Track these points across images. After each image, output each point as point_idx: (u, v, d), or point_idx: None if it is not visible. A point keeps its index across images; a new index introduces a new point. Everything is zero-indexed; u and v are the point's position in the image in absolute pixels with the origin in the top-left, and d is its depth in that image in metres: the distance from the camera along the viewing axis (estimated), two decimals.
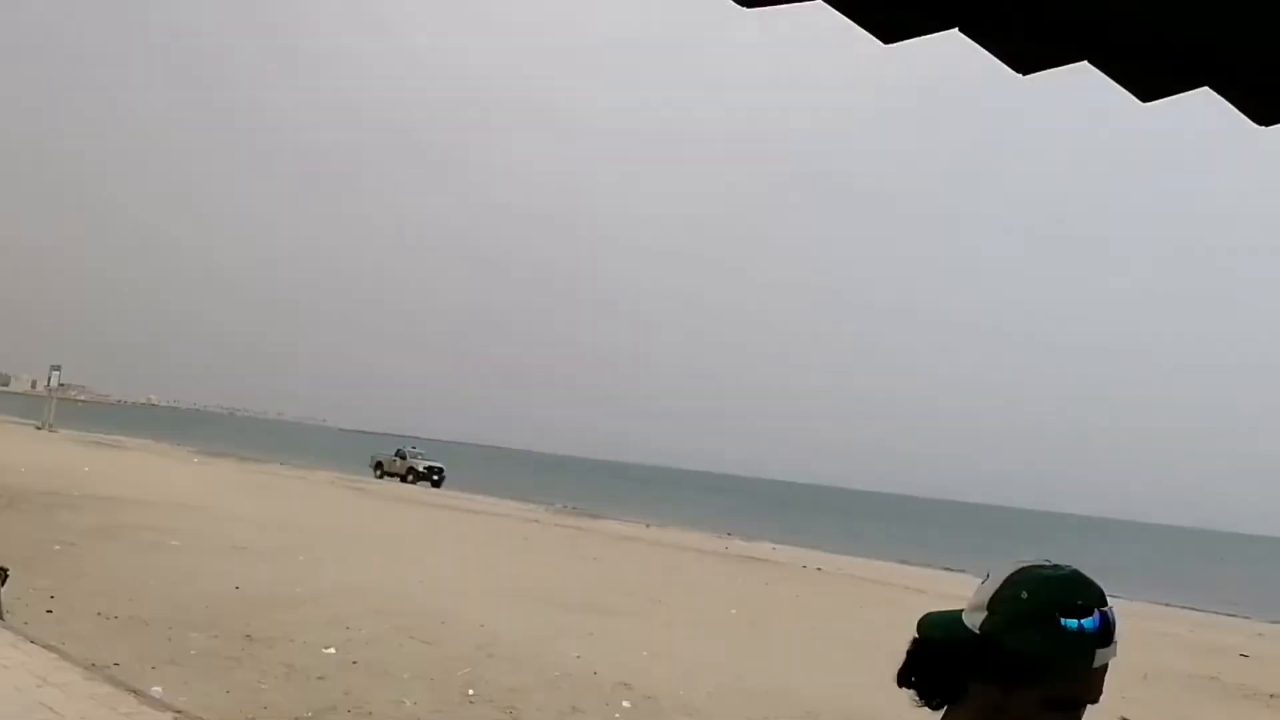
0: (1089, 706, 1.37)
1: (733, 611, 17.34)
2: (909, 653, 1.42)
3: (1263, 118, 2.57)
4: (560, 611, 14.79)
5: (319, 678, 9.34)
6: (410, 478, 57.84)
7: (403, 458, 60.57)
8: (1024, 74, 2.37)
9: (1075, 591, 1.34)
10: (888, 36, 2.31)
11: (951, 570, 39.12)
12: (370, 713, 8.43)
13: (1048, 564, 1.40)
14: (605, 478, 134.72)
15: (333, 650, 10.45)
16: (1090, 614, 1.33)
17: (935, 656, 1.39)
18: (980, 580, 1.43)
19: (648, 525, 41.65)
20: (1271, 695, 15.30)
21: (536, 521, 35.73)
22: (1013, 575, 1.38)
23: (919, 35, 2.34)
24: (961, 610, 1.41)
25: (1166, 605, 33.81)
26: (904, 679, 1.41)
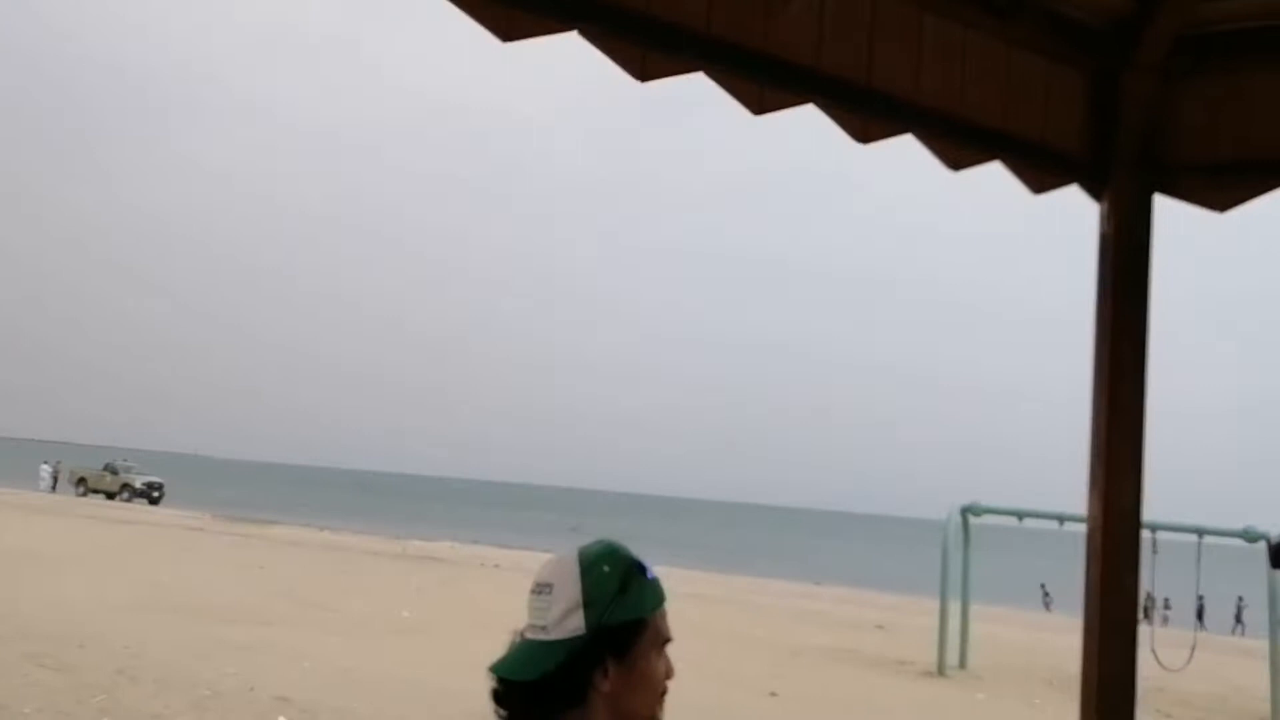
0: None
1: (405, 614, 17.05)
2: (508, 705, 1.43)
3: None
4: (216, 624, 13.97)
5: None
6: (125, 495, 50.03)
7: (114, 472, 52.36)
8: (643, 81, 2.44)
9: (629, 551, 1.48)
10: (507, 36, 2.31)
11: None
12: None
13: (594, 542, 1.50)
14: (287, 483, 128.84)
15: None
16: (646, 564, 1.48)
17: (545, 689, 1.41)
18: (537, 595, 1.44)
19: (321, 529, 40.19)
20: (900, 662, 16.88)
21: (200, 530, 33.60)
22: (584, 565, 1.44)
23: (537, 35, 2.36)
24: (524, 638, 1.44)
25: (817, 585, 36.64)
26: None
